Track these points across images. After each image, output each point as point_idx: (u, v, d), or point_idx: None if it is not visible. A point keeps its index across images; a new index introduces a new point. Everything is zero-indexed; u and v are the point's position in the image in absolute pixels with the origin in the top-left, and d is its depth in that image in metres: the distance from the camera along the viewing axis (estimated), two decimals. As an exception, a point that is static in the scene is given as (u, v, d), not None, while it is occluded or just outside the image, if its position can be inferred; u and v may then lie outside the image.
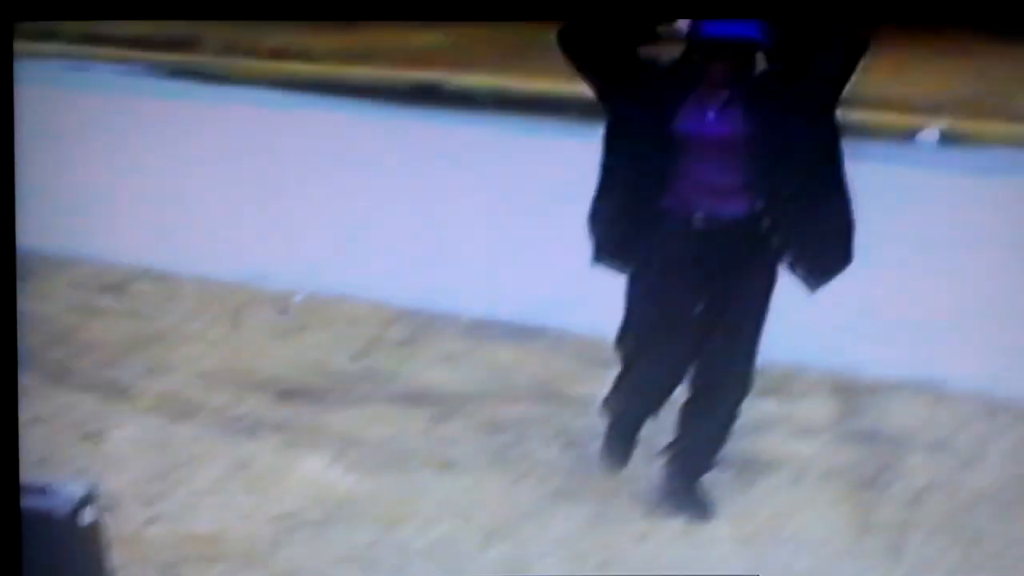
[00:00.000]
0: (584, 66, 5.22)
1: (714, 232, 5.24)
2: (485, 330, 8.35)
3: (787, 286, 5.42)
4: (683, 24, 5.12)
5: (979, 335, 8.61)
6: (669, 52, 5.27)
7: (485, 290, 9.28)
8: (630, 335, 5.69)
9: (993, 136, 17.94)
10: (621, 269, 5.55)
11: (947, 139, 17.39)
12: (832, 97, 5.11)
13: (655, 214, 5.28)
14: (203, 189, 12.33)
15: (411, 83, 21.57)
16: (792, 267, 5.36)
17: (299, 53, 23.45)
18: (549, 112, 19.08)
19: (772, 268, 5.35)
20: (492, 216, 11.56)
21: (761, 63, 5.20)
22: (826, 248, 5.29)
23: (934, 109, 18.56)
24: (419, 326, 8.39)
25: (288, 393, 7.17)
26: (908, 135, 17.52)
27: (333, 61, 23.39)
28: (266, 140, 14.90)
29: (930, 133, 17.01)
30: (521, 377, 7.58)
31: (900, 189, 12.16)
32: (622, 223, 5.38)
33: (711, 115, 5.15)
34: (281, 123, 16.46)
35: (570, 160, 14.29)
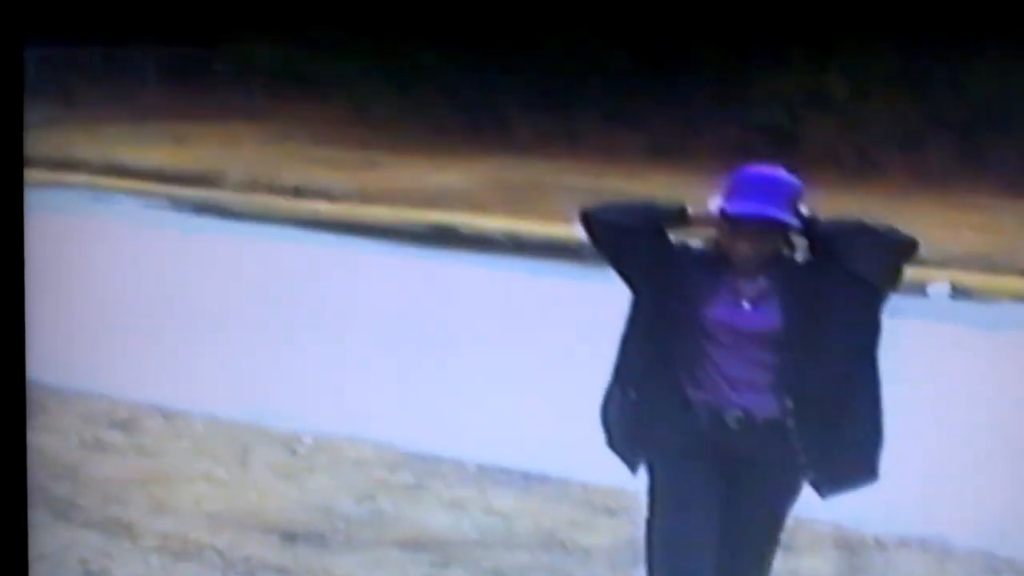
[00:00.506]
0: (609, 250, 4.89)
1: (747, 432, 4.81)
2: (489, 476, 8.35)
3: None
4: (714, 205, 4.82)
5: (983, 492, 8.59)
6: (700, 235, 4.95)
7: (491, 436, 9.29)
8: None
9: (1002, 290, 18.02)
10: (634, 460, 5.12)
11: (957, 292, 17.52)
12: (875, 297, 4.74)
13: (680, 406, 4.85)
14: (215, 326, 12.40)
15: (428, 224, 21.72)
16: (808, 471, 4.91)
17: (319, 191, 23.70)
18: (560, 255, 19.20)
19: (798, 473, 4.91)
20: (500, 360, 11.59)
21: (802, 251, 4.83)
22: (848, 458, 4.87)
23: (943, 262, 18.66)
24: (424, 471, 8.41)
25: (292, 536, 7.18)
26: (918, 288, 17.64)
27: (352, 201, 23.63)
28: (282, 278, 14.99)
29: (940, 286, 17.14)
30: (524, 525, 7.58)
31: (908, 342, 12.17)
32: (641, 412, 4.93)
33: (746, 305, 4.77)
34: (298, 261, 16.57)
35: (579, 305, 14.47)
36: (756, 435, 4.79)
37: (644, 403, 4.89)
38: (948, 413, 10.27)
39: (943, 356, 12.26)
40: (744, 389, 4.77)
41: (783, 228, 4.72)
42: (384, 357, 11.57)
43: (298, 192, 22.73)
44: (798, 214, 4.74)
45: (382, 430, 9.22)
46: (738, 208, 4.69)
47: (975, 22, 33.37)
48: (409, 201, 23.88)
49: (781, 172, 4.81)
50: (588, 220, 4.90)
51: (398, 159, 28.74)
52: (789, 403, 4.73)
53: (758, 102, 33.56)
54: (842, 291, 4.68)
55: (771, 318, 4.74)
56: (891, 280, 4.74)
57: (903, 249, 4.74)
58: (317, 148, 28.09)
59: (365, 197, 24.10)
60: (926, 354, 12.10)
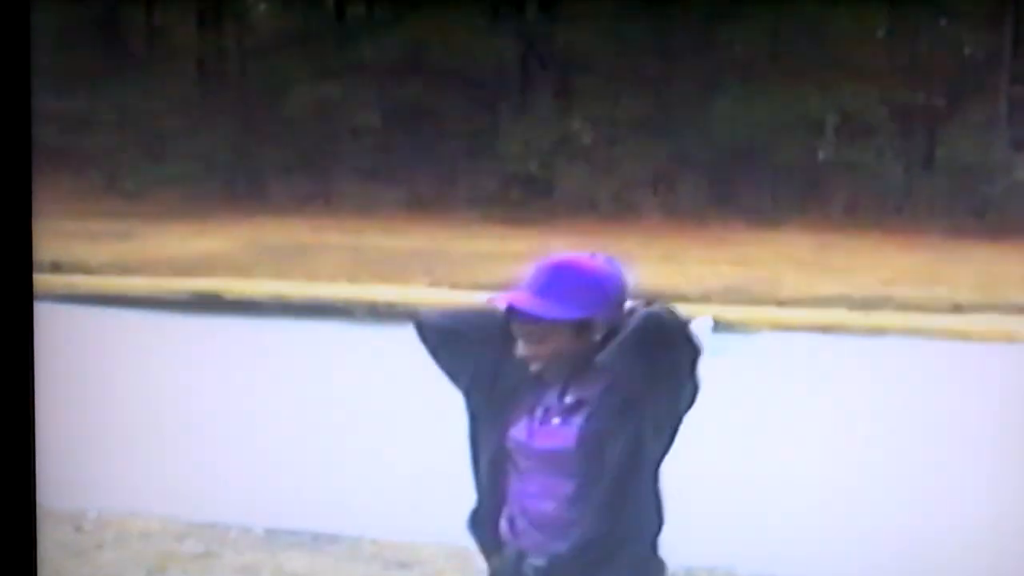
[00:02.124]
0: (443, 359, 4.13)
1: None
2: (278, 539, 8.37)
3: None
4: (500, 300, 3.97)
5: (765, 519, 8.88)
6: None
7: (276, 499, 9.31)
8: None
9: (761, 321, 18.59)
10: None
11: (719, 326, 17.93)
12: (675, 409, 3.90)
13: (497, 551, 4.07)
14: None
15: (189, 291, 21.56)
16: None
17: (76, 265, 23.35)
18: (327, 314, 19.25)
19: None
20: (277, 422, 11.60)
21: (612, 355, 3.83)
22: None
23: (704, 297, 19.19)
24: (212, 538, 8.38)
25: (85, 614, 7.11)
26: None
27: (111, 272, 23.35)
28: (45, 355, 14.73)
29: (703, 320, 17.45)
30: (318, 585, 7.62)
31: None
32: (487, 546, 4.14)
33: (549, 421, 3.93)
34: (60, 335, 16.29)
35: (351, 361, 14.55)
36: None
37: (481, 545, 4.13)
38: (723, 441, 10.57)
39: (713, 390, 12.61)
40: (548, 529, 3.93)
41: (556, 324, 3.84)
42: (158, 428, 11.48)
43: (55, 267, 22.33)
44: (600, 310, 3.84)
45: (164, 502, 9.17)
46: (501, 300, 3.93)
47: (714, 65, 34.39)
48: (170, 269, 23.68)
49: (579, 263, 3.93)
50: (421, 326, 4.16)
51: (154, 228, 28.47)
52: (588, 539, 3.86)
53: (509, 152, 34.06)
54: (641, 401, 3.81)
55: (566, 436, 3.89)
56: (689, 389, 3.87)
57: (693, 353, 3.84)
58: (70, 221, 27.63)
59: (123, 268, 23.82)
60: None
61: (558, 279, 3.87)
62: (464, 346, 4.06)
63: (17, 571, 2.98)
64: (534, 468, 3.92)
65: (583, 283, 3.87)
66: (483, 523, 4.05)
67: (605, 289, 3.88)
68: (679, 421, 3.87)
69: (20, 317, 3.03)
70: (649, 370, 3.74)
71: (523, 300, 3.86)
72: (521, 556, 3.95)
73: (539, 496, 3.91)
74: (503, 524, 4.01)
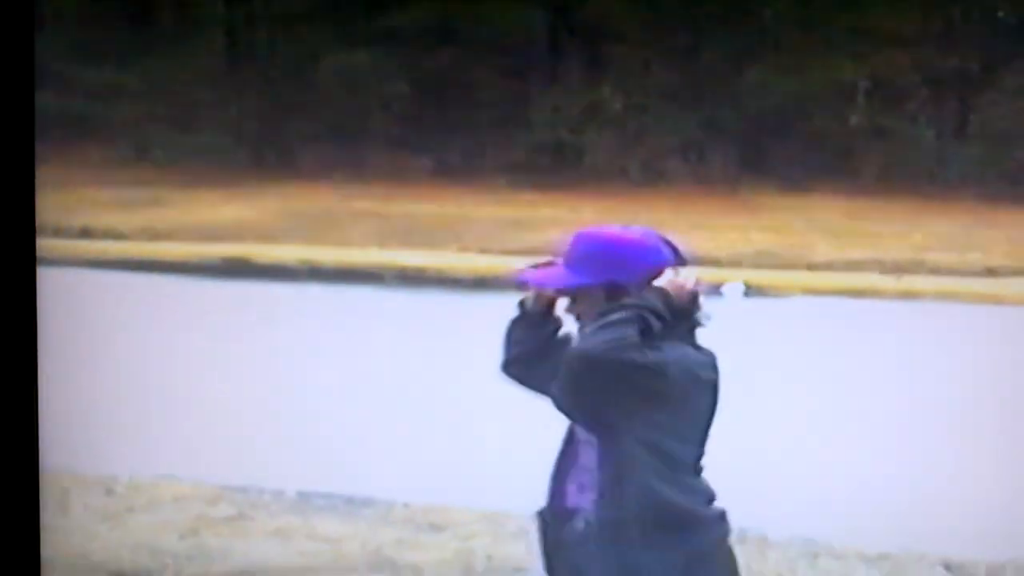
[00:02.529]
0: (522, 377, 4.14)
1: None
2: (311, 503, 8.38)
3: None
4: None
5: (795, 481, 8.86)
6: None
7: (310, 463, 9.32)
8: None
9: (792, 286, 18.53)
10: None
11: (751, 291, 17.94)
12: None
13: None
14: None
15: (220, 257, 21.60)
16: None
17: (107, 232, 23.41)
18: (356, 280, 19.26)
19: None
20: (313, 386, 11.61)
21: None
22: None
23: (735, 262, 19.14)
24: (245, 503, 8.39)
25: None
26: (712, 289, 17.93)
27: (142, 239, 23.41)
28: (81, 319, 14.78)
29: (734, 286, 17.52)
30: (351, 548, 7.61)
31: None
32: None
33: None
34: (96, 300, 16.35)
35: (382, 325, 14.55)
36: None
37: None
38: (754, 405, 10.54)
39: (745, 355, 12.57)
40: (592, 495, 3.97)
41: (582, 289, 3.92)
42: (190, 392, 11.50)
43: (85, 233, 22.38)
44: (623, 275, 3.88)
45: (196, 466, 9.18)
46: (521, 275, 4.06)
47: (745, 31, 34.21)
48: (200, 236, 23.72)
49: (598, 232, 4.02)
50: (506, 368, 4.16)
51: (184, 196, 28.52)
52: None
53: (539, 120, 33.98)
54: (617, 426, 3.86)
55: None
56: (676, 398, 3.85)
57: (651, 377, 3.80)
58: (101, 190, 27.71)
59: (154, 235, 23.87)
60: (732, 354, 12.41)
61: (575, 247, 3.97)
62: (535, 356, 4.07)
63: (21, 533, 2.97)
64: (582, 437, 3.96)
65: (600, 249, 3.95)
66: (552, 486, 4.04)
67: (625, 254, 3.91)
68: (697, 428, 3.88)
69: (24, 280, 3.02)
70: (598, 406, 3.79)
71: (539, 274, 4.01)
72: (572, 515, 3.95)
73: (585, 467, 3.94)
74: (570, 487, 3.99)
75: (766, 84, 32.89)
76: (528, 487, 4.12)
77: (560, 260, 4.00)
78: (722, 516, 4.00)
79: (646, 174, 32.11)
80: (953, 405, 11.53)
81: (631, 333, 3.73)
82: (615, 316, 3.77)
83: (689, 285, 3.87)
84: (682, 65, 34.37)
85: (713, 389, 3.88)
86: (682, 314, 3.86)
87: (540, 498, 4.00)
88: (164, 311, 15.49)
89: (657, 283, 3.84)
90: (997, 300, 18.04)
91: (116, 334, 13.55)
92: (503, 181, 31.20)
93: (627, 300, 3.82)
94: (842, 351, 13.97)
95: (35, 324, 3.05)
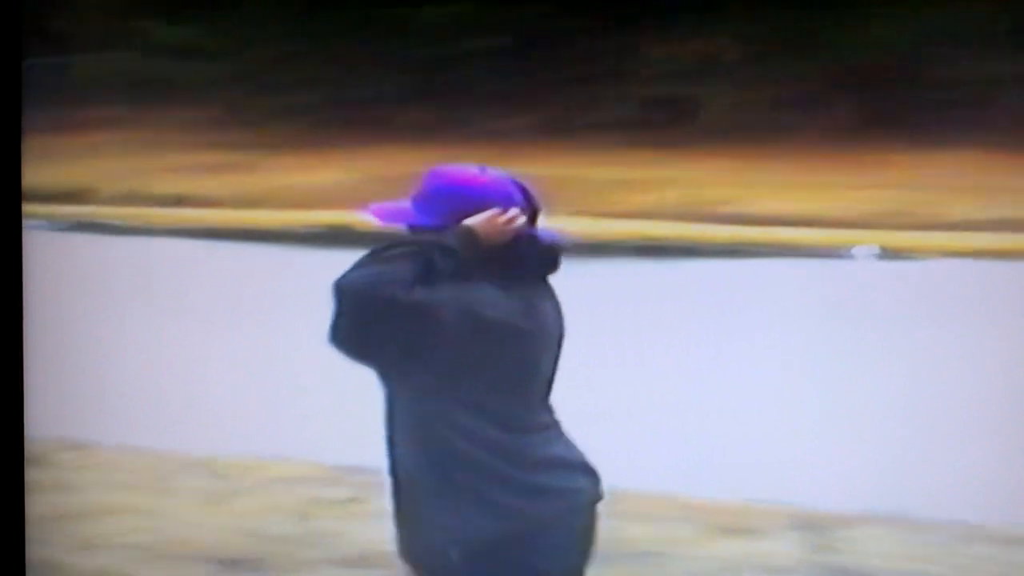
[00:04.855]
0: None
1: None
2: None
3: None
4: None
5: (945, 463, 8.76)
6: None
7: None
8: None
9: (930, 247, 18.32)
10: None
11: (885, 253, 17.74)
12: None
13: None
14: (119, 350, 12.30)
15: (322, 225, 21.69)
16: None
17: (200, 199, 23.60)
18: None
19: None
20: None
21: None
22: None
23: (865, 224, 18.95)
24: (358, 484, 8.40)
25: (230, 563, 7.15)
26: (843, 251, 17.82)
27: (237, 206, 23.56)
28: (184, 291, 14.92)
29: (866, 248, 17.33)
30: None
31: (841, 307, 12.34)
32: None
33: None
34: (197, 272, 16.48)
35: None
36: None
37: None
38: (899, 386, 10.44)
39: (882, 324, 12.45)
40: None
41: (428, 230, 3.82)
42: (297, 369, 11.54)
43: (180, 201, 22.58)
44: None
45: (306, 446, 9.22)
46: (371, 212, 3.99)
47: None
48: (294, 202, 23.83)
49: (448, 172, 3.89)
50: None
51: (276, 160, 28.68)
52: None
53: (650, 73, 33.80)
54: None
55: None
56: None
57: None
58: (189, 155, 27.93)
59: (248, 201, 24.02)
60: (867, 324, 12.28)
61: (425, 185, 3.84)
62: None
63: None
64: None
65: (446, 190, 3.81)
66: None
67: (472, 197, 3.76)
68: (508, 379, 3.71)
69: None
70: (367, 344, 3.72)
71: (386, 209, 3.88)
72: None
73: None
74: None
75: (894, 28, 32.50)
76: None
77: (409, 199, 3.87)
78: (569, 487, 3.74)
79: (766, 129, 31.86)
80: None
81: (401, 268, 3.62)
82: (392, 251, 3.65)
83: (512, 225, 3.72)
84: (804, 9, 34.03)
85: (529, 337, 3.72)
86: (499, 255, 3.71)
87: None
88: (273, 283, 15.56)
89: (469, 221, 3.72)
90: None
91: (226, 311, 13.66)
92: (614, 139, 31.10)
93: (417, 236, 3.74)
94: (988, 317, 13.78)
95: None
